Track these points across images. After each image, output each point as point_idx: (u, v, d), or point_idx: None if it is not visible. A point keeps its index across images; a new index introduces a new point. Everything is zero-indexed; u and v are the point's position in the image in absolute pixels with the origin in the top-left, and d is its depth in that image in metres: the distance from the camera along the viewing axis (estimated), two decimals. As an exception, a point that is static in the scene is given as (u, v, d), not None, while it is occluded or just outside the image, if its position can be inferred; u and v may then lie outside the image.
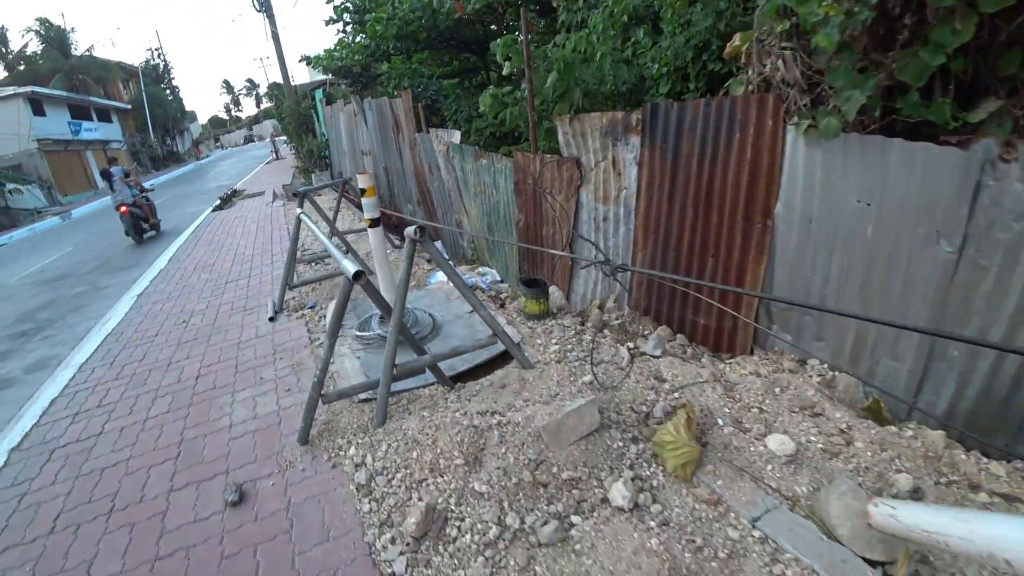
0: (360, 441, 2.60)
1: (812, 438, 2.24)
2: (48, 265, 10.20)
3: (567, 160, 4.06)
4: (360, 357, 3.31)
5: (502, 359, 3.22)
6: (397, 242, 6.46)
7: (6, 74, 32.42)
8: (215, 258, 7.12)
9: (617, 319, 3.92)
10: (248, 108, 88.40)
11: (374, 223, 3.06)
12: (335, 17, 15.02)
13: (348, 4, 13.50)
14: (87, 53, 33.09)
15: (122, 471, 2.78)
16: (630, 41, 5.73)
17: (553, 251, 3.54)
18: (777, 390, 2.58)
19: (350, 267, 2.25)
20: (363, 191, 2.96)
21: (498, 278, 5.76)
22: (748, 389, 2.65)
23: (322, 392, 2.59)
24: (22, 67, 32.23)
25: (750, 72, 2.91)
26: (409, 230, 2.58)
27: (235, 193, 14.67)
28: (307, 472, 2.52)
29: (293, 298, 4.65)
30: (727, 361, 3.21)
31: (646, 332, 3.68)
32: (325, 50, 14.39)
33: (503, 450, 2.18)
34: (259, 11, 17.84)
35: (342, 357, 3.37)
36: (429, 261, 5.51)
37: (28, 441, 3.26)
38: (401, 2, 9.43)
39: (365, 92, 13.53)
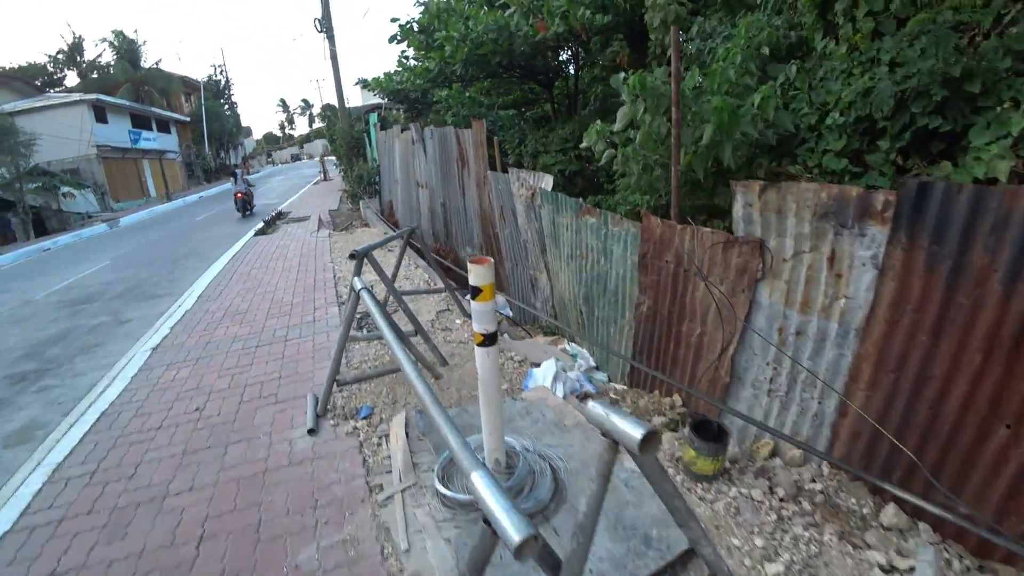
0: None
1: None
2: (79, 281, 9.53)
3: (744, 242, 2.84)
4: (450, 538, 2.09)
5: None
6: (466, 302, 5.31)
7: (79, 80, 33.64)
8: (248, 303, 6.11)
9: (813, 480, 2.63)
10: (301, 127, 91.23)
11: (487, 339, 1.89)
12: (400, 36, 14.47)
13: (414, 24, 12.86)
14: (154, 66, 34.03)
15: None
16: (777, 80, 4.55)
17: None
18: None
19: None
20: (475, 290, 1.80)
21: (592, 363, 4.53)
22: None
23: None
24: (94, 75, 33.35)
25: None
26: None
27: (280, 215, 13.99)
28: None
29: (340, 393, 3.49)
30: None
31: (863, 508, 2.38)
32: (385, 73, 13.79)
33: None
34: (320, 31, 17.56)
35: (419, 533, 2.17)
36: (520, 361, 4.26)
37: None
38: (477, 22, 8.53)
39: (420, 119, 12.78)
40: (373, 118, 15.57)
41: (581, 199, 4.30)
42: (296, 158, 60.73)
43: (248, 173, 43.44)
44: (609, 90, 10.25)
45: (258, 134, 77.85)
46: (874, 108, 3.62)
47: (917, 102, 3.44)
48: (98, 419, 3.68)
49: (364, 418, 3.15)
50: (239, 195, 16.05)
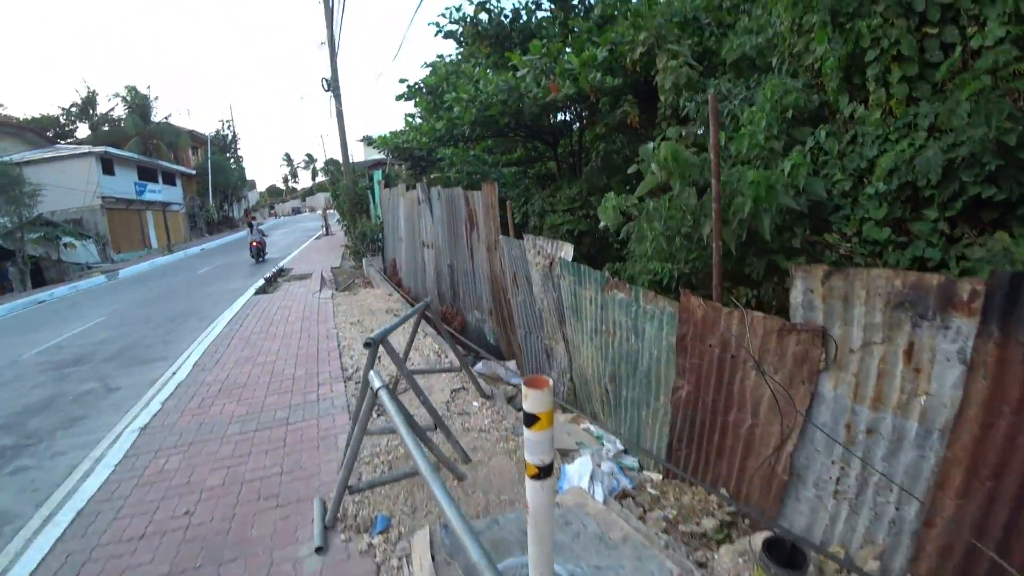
0: None
1: None
2: (72, 339, 9.18)
3: (804, 330, 2.57)
4: None
5: None
6: (486, 387, 4.96)
7: (89, 132, 34.35)
8: (246, 375, 5.73)
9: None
10: (304, 180, 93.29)
11: (542, 472, 1.58)
12: (407, 96, 14.70)
13: (422, 85, 13.06)
14: (164, 120, 34.81)
15: None
16: (806, 145, 4.41)
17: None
18: None
19: None
20: (531, 418, 1.51)
21: (619, 446, 4.16)
22: None
23: None
24: (105, 128, 34.06)
25: None
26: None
27: (281, 272, 13.76)
28: None
29: (352, 497, 3.07)
30: None
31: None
32: (391, 132, 13.94)
33: None
34: (327, 91, 17.97)
35: None
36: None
37: None
38: (487, 83, 8.58)
39: (424, 176, 12.78)
40: (378, 175, 15.63)
41: (607, 272, 4.05)
42: (296, 211, 61.57)
43: (250, 225, 43.75)
44: (611, 147, 10.32)
45: (262, 186, 79.38)
46: (919, 175, 3.43)
47: (968, 170, 3.26)
48: (73, 520, 3.26)
49: (380, 532, 2.73)
50: (254, 243, 18.51)
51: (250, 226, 19.63)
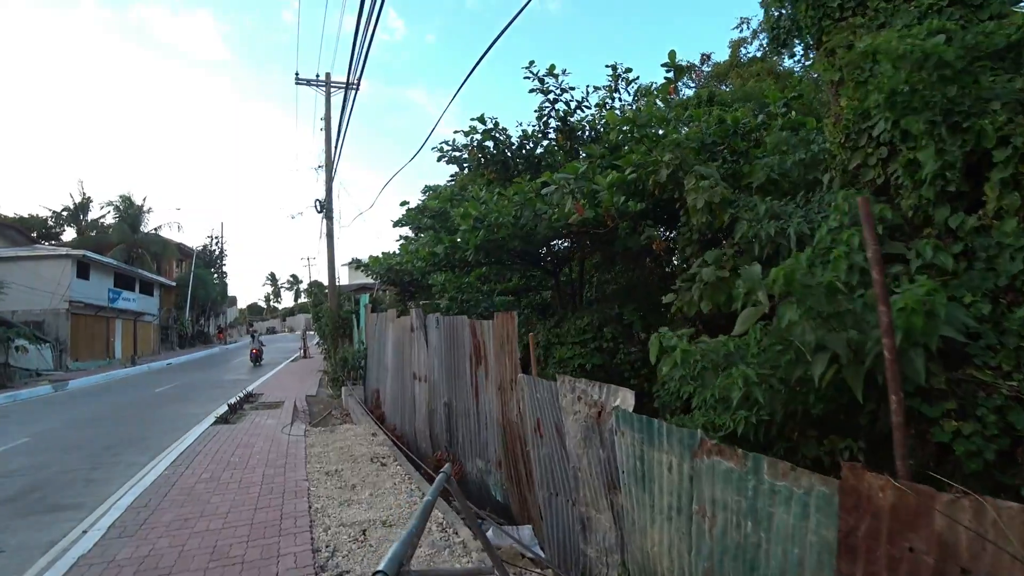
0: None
1: None
2: (-26, 469, 7.41)
3: None
4: None
5: None
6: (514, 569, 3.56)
7: (76, 236, 33.92)
8: (177, 552, 4.10)
9: None
10: (287, 301, 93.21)
11: None
12: (405, 220, 14.41)
13: (425, 205, 12.78)
14: (153, 231, 34.72)
15: None
16: (912, 265, 3.64)
17: None
18: None
19: None
20: None
21: None
22: None
23: None
24: (93, 234, 33.73)
25: None
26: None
27: (249, 398, 12.13)
28: None
29: None
30: None
31: None
32: (383, 253, 13.42)
33: None
34: (319, 212, 18.05)
35: None
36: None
37: None
38: (500, 200, 8.02)
39: (411, 302, 12.05)
40: (364, 299, 14.88)
41: (700, 431, 2.98)
42: (271, 331, 60.35)
43: (224, 343, 42.78)
44: (604, 278, 9.69)
45: (243, 303, 79.06)
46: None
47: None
48: None
49: None
50: (255, 351, 24.01)
51: (252, 336, 25.88)
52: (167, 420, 10.32)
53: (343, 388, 11.76)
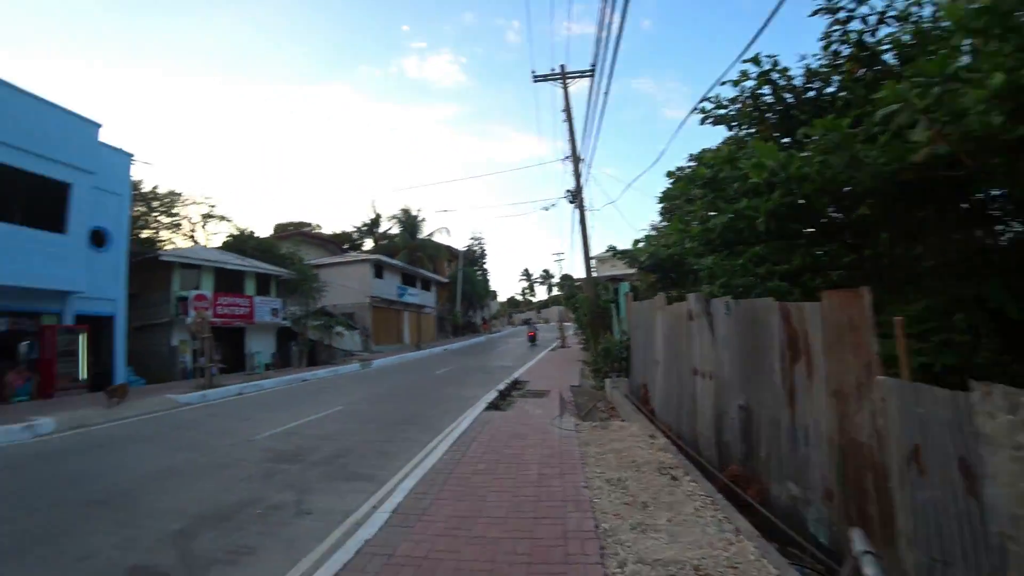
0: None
1: None
2: (304, 426, 8.71)
3: None
4: None
5: None
6: None
7: (372, 245, 41.76)
8: (455, 562, 3.43)
9: None
10: (541, 294, 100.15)
11: None
12: (671, 195, 12.77)
13: (695, 174, 10.95)
14: (427, 237, 40.21)
15: None
16: None
17: None
18: None
19: None
20: None
21: None
22: None
23: None
24: (384, 242, 40.98)
25: None
26: None
27: (516, 385, 12.31)
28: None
29: None
30: None
31: None
32: (647, 236, 12.02)
33: None
34: (571, 203, 17.69)
35: None
36: None
37: None
38: (814, 154, 5.67)
39: (674, 290, 10.36)
40: (624, 287, 13.77)
41: None
42: (526, 322, 64.79)
43: (490, 332, 48.23)
44: (914, 251, 6.23)
45: (502, 297, 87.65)
46: None
47: None
48: None
49: None
50: (531, 333, 32.67)
51: (527, 323, 33.92)
52: (445, 401, 10.85)
53: (606, 380, 10.86)
